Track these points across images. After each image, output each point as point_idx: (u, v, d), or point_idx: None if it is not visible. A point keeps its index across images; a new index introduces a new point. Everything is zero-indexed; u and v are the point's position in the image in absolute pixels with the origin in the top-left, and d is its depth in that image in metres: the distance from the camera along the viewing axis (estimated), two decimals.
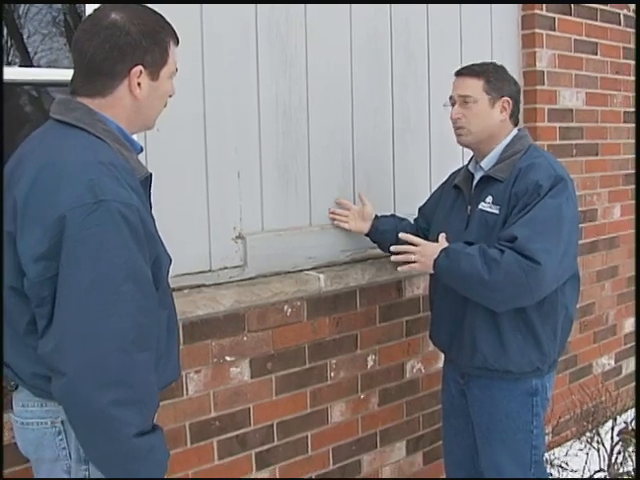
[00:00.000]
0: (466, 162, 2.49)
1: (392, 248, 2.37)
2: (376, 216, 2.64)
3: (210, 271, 2.42)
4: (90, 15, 1.48)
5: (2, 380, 1.64)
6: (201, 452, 2.35)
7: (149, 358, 1.39)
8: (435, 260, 2.20)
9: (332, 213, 2.67)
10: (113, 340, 1.32)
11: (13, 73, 2.10)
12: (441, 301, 2.41)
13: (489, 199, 2.23)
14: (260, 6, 2.46)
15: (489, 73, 2.26)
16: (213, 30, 2.35)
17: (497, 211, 2.20)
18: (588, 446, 3.02)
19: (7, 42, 2.32)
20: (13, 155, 1.51)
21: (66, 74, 1.66)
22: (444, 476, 2.70)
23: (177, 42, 1.56)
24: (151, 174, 1.54)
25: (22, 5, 2.31)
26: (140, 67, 1.45)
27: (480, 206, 2.25)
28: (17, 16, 2.35)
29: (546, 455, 2.73)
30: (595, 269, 3.71)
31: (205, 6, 2.32)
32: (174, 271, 2.30)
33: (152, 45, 1.46)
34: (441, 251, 2.20)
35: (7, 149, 1.79)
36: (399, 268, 2.36)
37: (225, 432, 2.40)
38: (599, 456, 2.98)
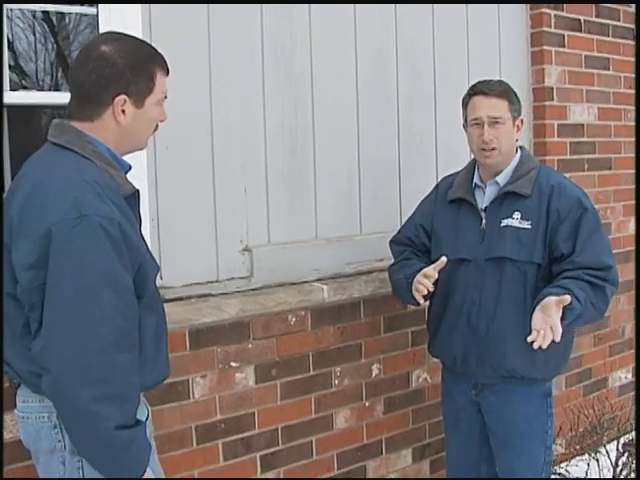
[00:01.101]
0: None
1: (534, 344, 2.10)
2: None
3: (217, 281, 2.55)
4: (84, 46, 1.65)
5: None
6: (207, 453, 2.47)
7: (130, 359, 1.53)
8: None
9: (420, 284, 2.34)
10: (94, 342, 1.46)
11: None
12: (455, 315, 2.40)
13: (517, 215, 2.31)
14: (266, 26, 2.60)
15: (511, 93, 2.35)
16: (220, 50, 2.49)
17: (529, 226, 2.29)
18: (589, 457, 3.04)
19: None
20: (16, 175, 1.68)
21: None
22: None
23: (167, 72, 1.69)
24: (138, 190, 1.67)
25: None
26: (124, 96, 1.60)
27: (507, 222, 2.31)
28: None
29: None
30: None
31: (212, 27, 2.47)
32: (183, 281, 2.47)
33: (136, 76, 1.60)
34: (567, 311, 2.11)
35: None
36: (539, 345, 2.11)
37: (230, 435, 2.51)
38: (598, 466, 3.00)
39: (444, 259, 2.28)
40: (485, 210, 2.37)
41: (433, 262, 2.39)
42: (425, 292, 2.30)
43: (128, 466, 1.55)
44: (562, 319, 2.09)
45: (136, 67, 1.60)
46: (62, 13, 2.41)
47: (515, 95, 2.37)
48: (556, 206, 2.27)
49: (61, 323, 1.46)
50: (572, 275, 2.19)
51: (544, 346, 2.06)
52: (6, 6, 2.21)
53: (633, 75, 3.62)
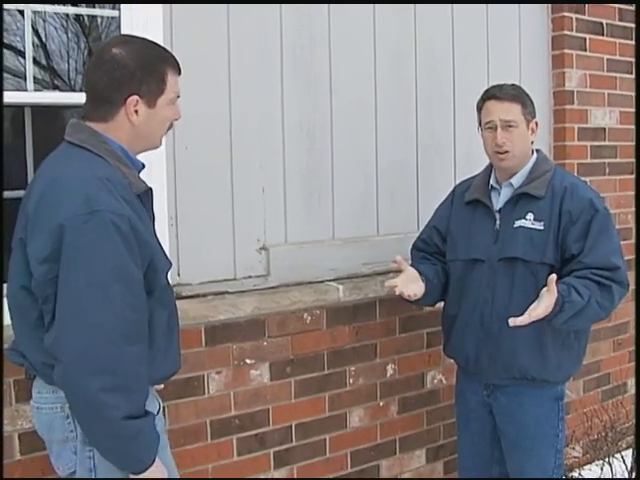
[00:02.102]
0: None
1: (511, 324, 2.15)
2: (419, 271, 2.48)
3: (234, 279, 2.59)
4: (97, 50, 1.72)
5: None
6: (221, 448, 2.51)
7: (138, 351, 1.57)
8: (554, 311, 2.14)
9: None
10: (103, 333, 1.51)
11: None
12: (469, 315, 2.43)
13: (530, 216, 2.33)
14: (285, 27, 2.63)
15: (524, 97, 2.37)
16: (239, 50, 2.54)
17: (541, 227, 2.30)
18: (602, 462, 3.03)
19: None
20: (35, 173, 1.74)
21: None
22: None
23: (178, 71, 1.73)
24: (150, 189, 1.72)
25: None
26: (136, 97, 1.64)
27: (520, 223, 2.33)
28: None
29: None
30: (631, 287, 3.68)
31: (231, 27, 2.52)
32: (200, 278, 2.52)
33: (147, 76, 1.65)
34: (563, 302, 2.13)
35: None
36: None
37: (244, 430, 2.55)
38: (612, 472, 2.98)
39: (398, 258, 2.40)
40: (499, 211, 2.40)
41: (447, 263, 2.48)
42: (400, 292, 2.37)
43: (136, 456, 1.60)
44: (560, 312, 2.13)
45: (147, 68, 1.65)
46: (94, 15, 2.47)
47: (528, 98, 2.38)
48: (568, 207, 2.28)
49: (72, 315, 1.51)
50: (579, 275, 2.21)
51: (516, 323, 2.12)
52: (31, 6, 2.27)
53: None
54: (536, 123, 2.39)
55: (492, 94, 2.37)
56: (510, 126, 2.32)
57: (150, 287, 1.65)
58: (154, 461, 1.63)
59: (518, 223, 2.33)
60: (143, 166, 1.76)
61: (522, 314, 2.19)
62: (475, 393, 2.50)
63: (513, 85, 2.41)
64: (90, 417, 1.54)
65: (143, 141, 1.72)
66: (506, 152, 2.34)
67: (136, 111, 1.65)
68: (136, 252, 1.57)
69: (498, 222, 2.38)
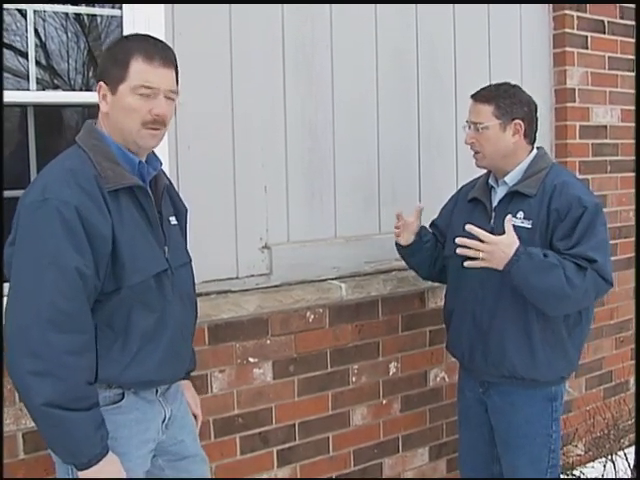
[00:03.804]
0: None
1: (458, 240, 2.20)
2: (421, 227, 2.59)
3: (237, 278, 2.60)
4: None
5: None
6: (224, 447, 2.51)
7: (69, 340, 1.57)
8: (511, 261, 2.15)
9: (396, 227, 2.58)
10: (30, 316, 1.55)
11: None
12: (463, 310, 2.45)
13: (520, 214, 2.32)
14: (287, 28, 2.64)
15: (499, 98, 2.34)
16: (241, 50, 2.54)
17: (529, 225, 2.29)
18: (605, 460, 3.03)
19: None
20: None
21: None
22: None
23: (148, 61, 1.68)
24: (143, 187, 1.72)
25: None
26: (102, 82, 1.72)
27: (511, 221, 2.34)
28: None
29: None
30: (631, 285, 3.70)
31: (234, 26, 2.52)
32: (203, 277, 2.51)
33: (111, 64, 1.71)
34: (520, 253, 2.15)
35: None
36: (466, 264, 2.21)
37: (248, 429, 2.56)
38: (615, 469, 2.99)
39: (420, 205, 2.55)
40: (495, 209, 2.41)
41: (445, 258, 2.54)
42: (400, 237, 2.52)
43: (67, 448, 1.62)
44: (517, 260, 2.14)
45: (111, 55, 1.72)
46: (94, 14, 2.47)
47: (509, 98, 2.33)
48: (556, 205, 2.26)
49: (12, 297, 1.60)
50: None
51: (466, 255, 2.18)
52: (32, 6, 2.28)
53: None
54: (519, 124, 2.34)
55: (473, 94, 2.41)
56: (479, 128, 2.34)
57: (117, 284, 1.65)
58: (99, 460, 1.62)
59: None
60: (140, 162, 1.76)
61: (511, 313, 2.28)
62: (472, 390, 2.51)
63: (497, 85, 2.39)
64: (22, 398, 1.60)
65: (118, 132, 1.73)
66: (477, 152, 2.39)
67: (104, 97, 1.71)
68: (80, 242, 1.59)
69: (492, 220, 2.39)
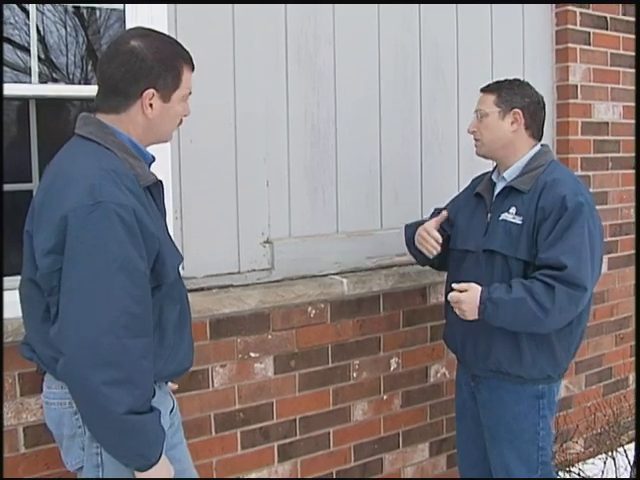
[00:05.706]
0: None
1: (449, 297, 2.29)
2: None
3: (239, 273, 2.59)
4: (113, 41, 1.69)
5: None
6: (225, 441, 2.51)
7: (142, 344, 1.54)
8: (479, 310, 2.21)
9: (424, 239, 2.47)
10: (105, 325, 1.49)
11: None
12: None
13: (512, 210, 2.32)
14: (290, 25, 2.63)
15: (503, 88, 2.36)
16: (244, 46, 2.53)
17: (520, 222, 2.29)
18: (605, 456, 3.04)
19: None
20: (45, 167, 1.73)
21: None
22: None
23: (192, 68, 1.73)
24: (160, 181, 1.72)
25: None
26: (152, 90, 1.64)
27: (503, 216, 2.33)
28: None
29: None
30: (631, 282, 3.70)
31: (237, 24, 2.51)
32: (204, 271, 2.51)
33: (165, 71, 1.64)
34: (485, 300, 2.20)
35: None
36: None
37: (249, 424, 2.56)
38: (615, 466, 2.99)
39: (445, 213, 2.47)
40: (492, 204, 2.41)
41: (451, 251, 2.51)
42: (433, 252, 2.42)
43: (140, 452, 1.58)
44: (484, 309, 2.19)
45: (164, 62, 1.64)
46: (93, 7, 2.46)
47: (512, 88, 2.35)
48: (542, 203, 2.25)
49: (74, 307, 1.50)
50: (531, 275, 2.22)
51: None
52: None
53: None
54: (518, 113, 2.33)
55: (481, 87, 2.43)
56: (481, 115, 2.37)
57: (158, 281, 1.64)
58: (160, 459, 1.61)
59: (502, 216, 2.33)
60: (153, 159, 1.75)
61: None
62: (466, 383, 2.53)
63: (512, 80, 2.41)
64: (92, 411, 1.52)
65: (154, 135, 1.72)
66: (477, 140, 2.41)
67: (151, 105, 1.65)
68: (141, 244, 1.56)
69: (489, 215, 2.40)
